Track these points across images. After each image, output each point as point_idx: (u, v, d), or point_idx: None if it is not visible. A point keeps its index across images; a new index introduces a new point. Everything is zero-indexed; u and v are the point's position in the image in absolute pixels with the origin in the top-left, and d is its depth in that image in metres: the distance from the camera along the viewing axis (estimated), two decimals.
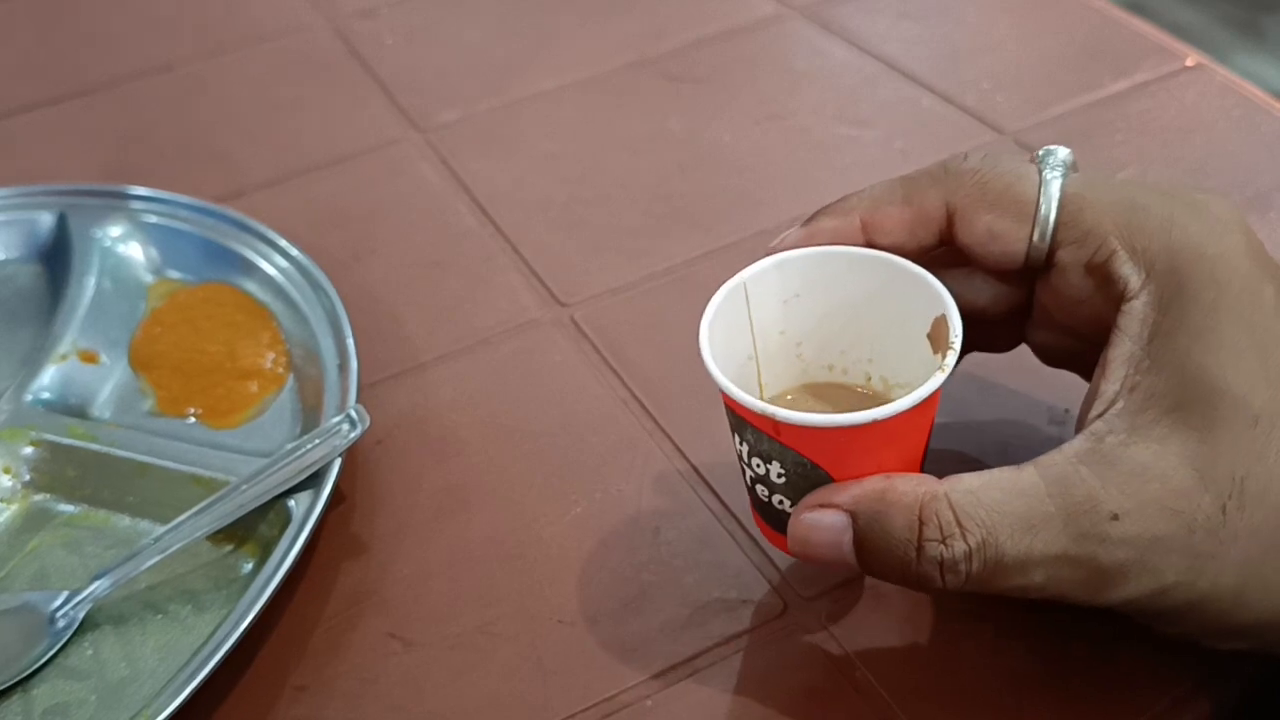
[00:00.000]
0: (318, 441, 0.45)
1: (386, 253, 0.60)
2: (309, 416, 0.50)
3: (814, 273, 0.40)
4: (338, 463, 0.45)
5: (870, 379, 0.42)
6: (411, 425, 0.51)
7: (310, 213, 0.63)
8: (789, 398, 0.42)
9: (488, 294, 0.57)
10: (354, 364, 0.50)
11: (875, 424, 0.34)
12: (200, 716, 0.40)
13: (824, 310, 0.41)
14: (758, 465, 0.37)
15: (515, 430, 0.50)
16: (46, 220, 0.60)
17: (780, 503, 0.38)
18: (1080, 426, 0.36)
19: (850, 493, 0.35)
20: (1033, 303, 0.41)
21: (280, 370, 0.53)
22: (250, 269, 0.56)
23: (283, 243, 0.56)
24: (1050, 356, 0.43)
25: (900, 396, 0.35)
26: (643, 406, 0.50)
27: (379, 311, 0.56)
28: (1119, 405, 0.35)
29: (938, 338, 0.38)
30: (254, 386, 0.52)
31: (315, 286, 0.54)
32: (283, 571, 0.42)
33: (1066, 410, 0.48)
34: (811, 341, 0.41)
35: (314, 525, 0.43)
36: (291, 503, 0.44)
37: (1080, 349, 0.40)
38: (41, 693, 0.42)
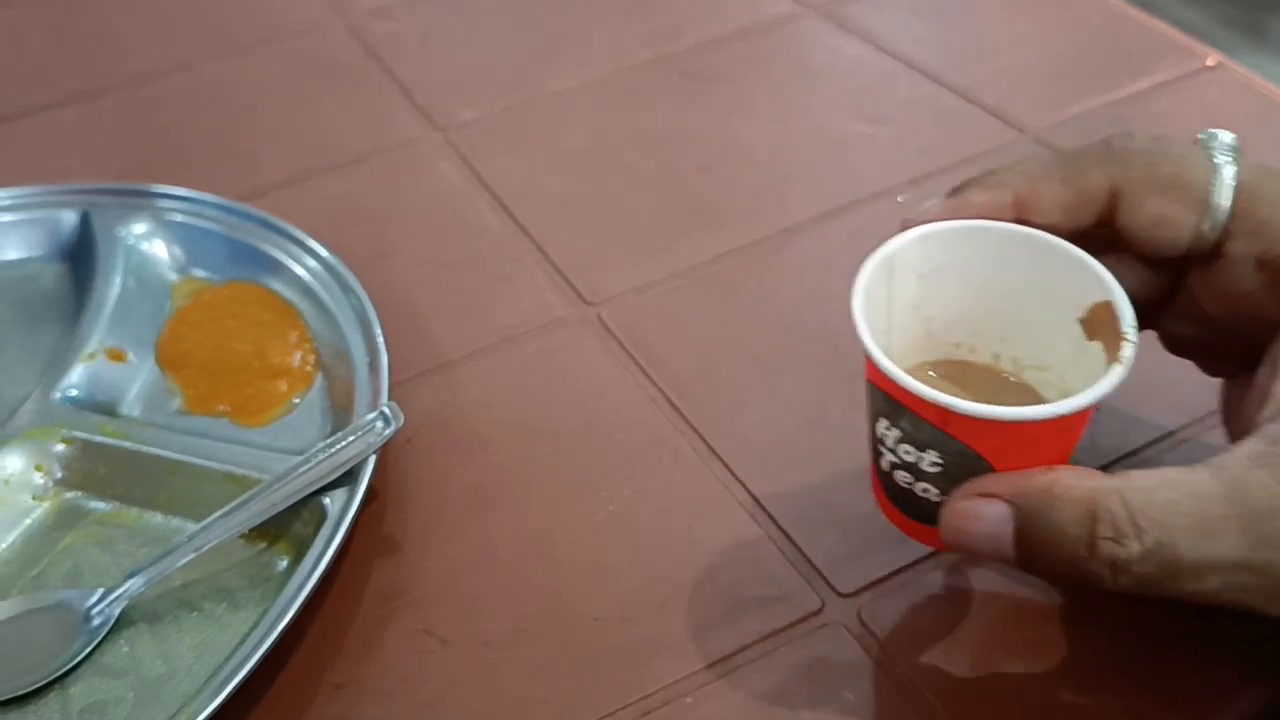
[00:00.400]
0: (352, 438, 0.45)
1: (408, 251, 0.61)
2: (339, 415, 0.50)
3: (959, 248, 0.38)
4: (372, 460, 0.45)
5: (999, 358, 0.40)
6: (439, 423, 0.51)
7: (331, 211, 0.63)
8: (930, 374, 0.40)
9: (512, 292, 0.57)
10: (385, 361, 0.50)
11: (1056, 420, 0.33)
12: (238, 714, 0.40)
13: (961, 286, 0.39)
14: (906, 452, 0.35)
15: (543, 429, 0.50)
16: (70, 219, 0.60)
17: (925, 491, 0.36)
18: (1241, 426, 0.35)
19: (1014, 483, 0.34)
20: (1178, 291, 0.39)
21: (309, 369, 0.53)
22: (276, 268, 0.56)
23: (310, 241, 0.56)
24: (1179, 346, 0.41)
25: (1033, 379, 0.35)
26: (671, 404, 0.50)
27: (403, 310, 0.56)
28: None
29: (1097, 325, 0.36)
30: (283, 385, 0.52)
31: (343, 285, 0.54)
32: (320, 570, 0.42)
33: None
34: (943, 316, 0.39)
35: (351, 522, 0.43)
36: (326, 500, 0.44)
37: (1212, 340, 0.39)
38: (79, 691, 0.42)
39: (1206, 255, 0.38)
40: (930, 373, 0.41)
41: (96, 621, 0.43)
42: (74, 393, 0.51)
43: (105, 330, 0.54)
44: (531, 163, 0.66)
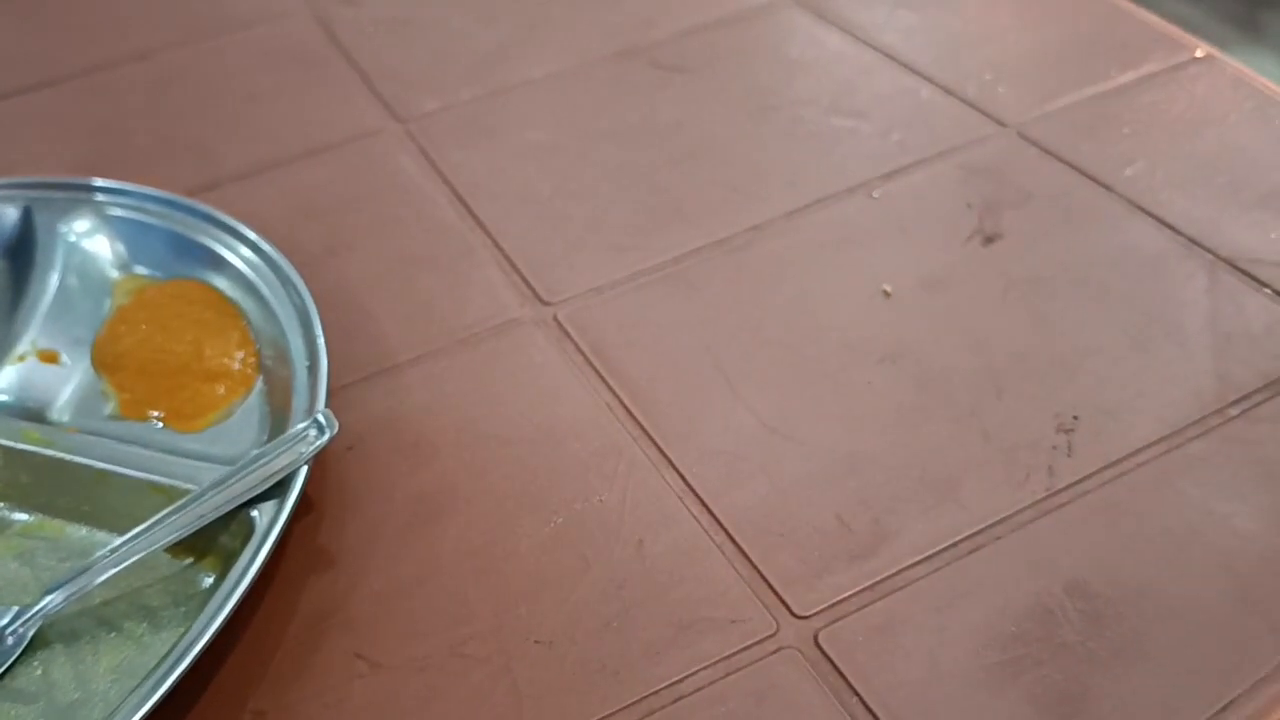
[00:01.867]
0: (284, 448, 0.43)
1: (363, 248, 0.58)
2: (278, 420, 0.47)
3: None
4: (304, 471, 0.43)
5: None
6: (384, 430, 0.48)
7: (286, 205, 0.61)
8: None
9: (467, 291, 0.55)
10: (324, 365, 0.47)
11: None
12: None
13: None
14: None
15: (493, 436, 0.48)
16: (10, 214, 0.58)
17: None
18: None
19: None
20: None
21: (249, 371, 0.50)
22: (220, 264, 0.54)
23: (253, 236, 0.54)
24: None
25: None
26: (627, 411, 0.48)
27: (353, 309, 0.54)
28: None
29: None
30: (221, 389, 0.49)
31: (285, 282, 0.52)
32: (243, 587, 0.39)
33: (1075, 417, 0.46)
34: None
35: (277, 537, 0.41)
36: (255, 513, 0.42)
37: None
38: None
39: None
40: None
41: (10, 642, 0.41)
42: (2, 397, 0.49)
43: (39, 330, 0.51)
44: (494, 156, 0.63)
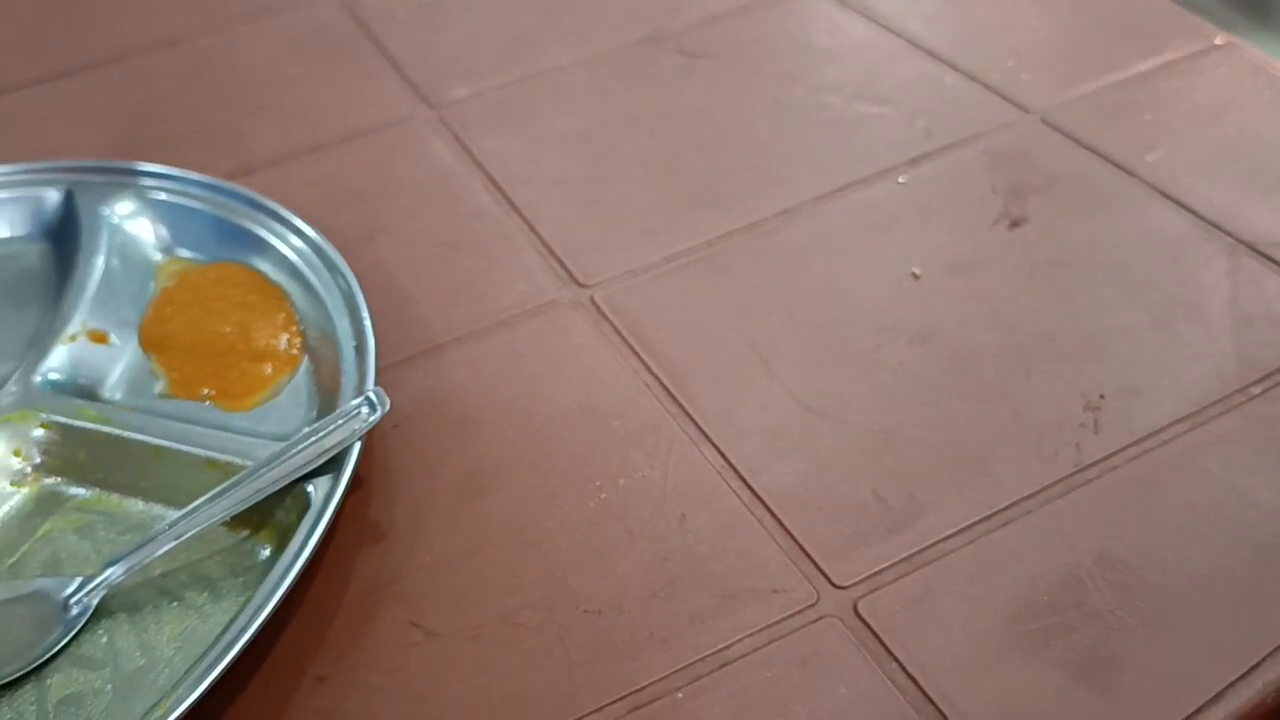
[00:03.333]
0: (337, 424, 0.44)
1: (399, 232, 0.59)
2: (325, 399, 0.49)
3: None
4: (357, 447, 0.44)
5: None
6: (429, 409, 0.50)
7: (321, 190, 0.62)
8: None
9: (504, 274, 0.56)
10: (371, 345, 0.49)
11: None
12: (218, 707, 0.39)
13: None
14: None
15: (535, 414, 0.49)
16: (53, 198, 0.59)
17: None
18: None
19: None
20: None
21: (295, 352, 0.51)
22: (263, 248, 0.55)
23: (296, 221, 0.55)
24: None
25: None
26: (665, 389, 0.49)
27: (393, 292, 0.55)
28: None
29: None
30: (269, 368, 0.51)
31: (330, 266, 0.53)
32: (303, 559, 0.40)
33: (1102, 396, 0.47)
34: None
35: (335, 510, 0.42)
36: (310, 488, 0.43)
37: None
38: (56, 682, 0.41)
39: None
40: None
41: (75, 611, 0.42)
42: (55, 376, 0.50)
43: (87, 311, 0.52)
44: (526, 142, 0.64)
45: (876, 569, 0.42)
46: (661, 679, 0.39)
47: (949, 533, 0.43)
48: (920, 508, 0.44)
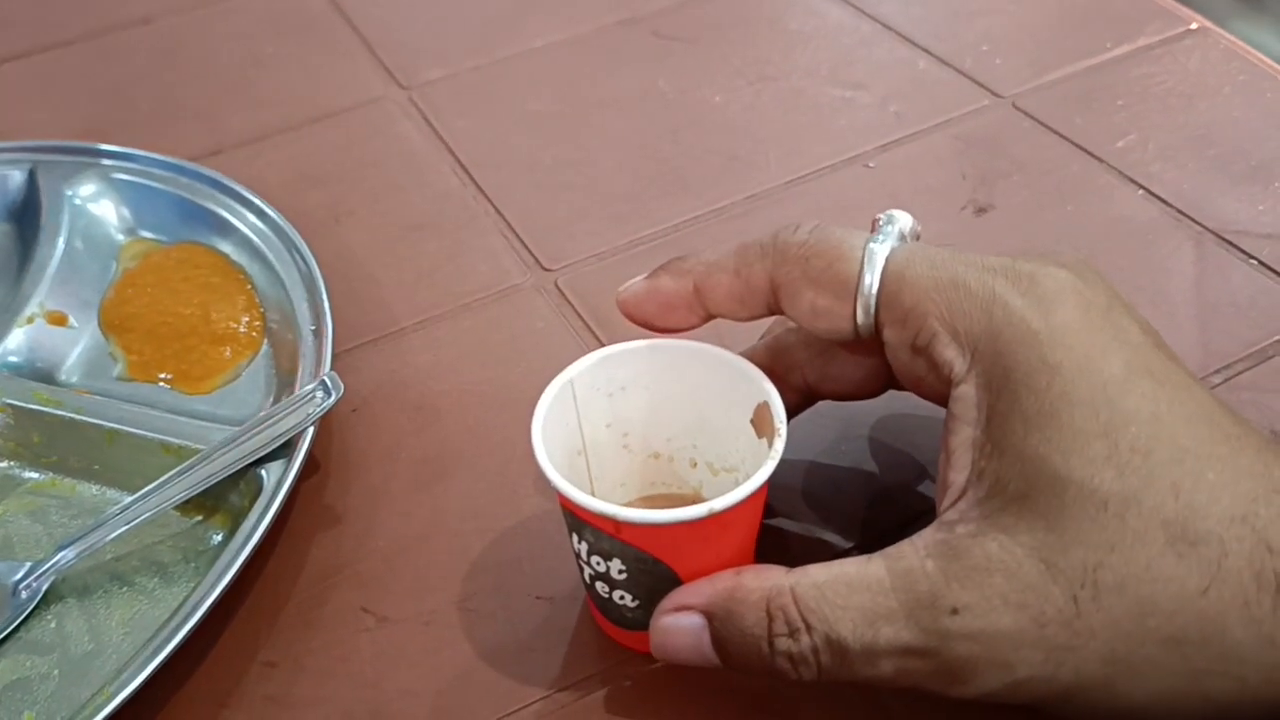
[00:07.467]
0: (291, 409, 0.44)
1: (366, 214, 0.59)
2: (284, 383, 0.48)
3: (639, 365, 0.40)
4: (310, 431, 0.44)
5: (696, 465, 0.41)
6: (388, 392, 0.49)
7: (289, 172, 0.62)
8: (622, 485, 0.42)
9: (469, 258, 0.56)
10: (329, 329, 0.48)
11: (713, 516, 0.34)
12: (165, 692, 0.39)
13: (649, 401, 0.41)
14: (597, 563, 0.37)
15: (495, 399, 0.49)
16: (16, 178, 0.58)
17: (622, 598, 0.37)
18: (937, 516, 0.34)
19: (703, 593, 0.35)
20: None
21: (255, 335, 0.51)
22: (226, 229, 0.55)
23: (259, 202, 0.55)
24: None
25: (725, 479, 0.37)
26: None
27: (357, 275, 0.55)
28: (969, 494, 0.33)
29: (762, 423, 0.38)
30: (228, 352, 0.50)
31: (291, 248, 0.53)
32: (253, 543, 0.40)
33: None
34: (638, 432, 0.41)
35: (285, 495, 0.42)
36: (263, 472, 0.43)
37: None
38: (3, 667, 0.40)
39: (878, 339, 0.37)
40: (622, 484, 0.42)
41: (24, 596, 0.42)
42: (12, 358, 0.50)
43: (46, 293, 0.52)
44: (497, 124, 0.64)
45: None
46: (611, 666, 0.39)
47: None
48: None
